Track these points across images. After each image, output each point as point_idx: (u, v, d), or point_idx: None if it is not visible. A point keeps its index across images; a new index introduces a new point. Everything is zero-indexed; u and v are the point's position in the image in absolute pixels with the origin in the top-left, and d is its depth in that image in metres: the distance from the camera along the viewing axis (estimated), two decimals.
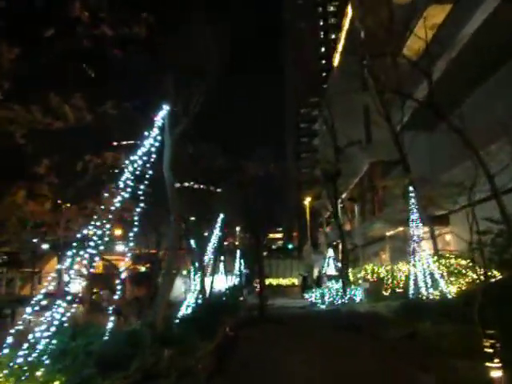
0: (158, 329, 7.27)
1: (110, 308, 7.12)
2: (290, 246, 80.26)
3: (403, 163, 17.83)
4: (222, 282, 31.89)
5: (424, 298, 16.41)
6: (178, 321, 9.91)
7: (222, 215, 16.57)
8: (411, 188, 17.56)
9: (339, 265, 35.13)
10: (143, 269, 52.90)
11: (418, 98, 19.57)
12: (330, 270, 34.57)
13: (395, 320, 12.26)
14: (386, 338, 9.13)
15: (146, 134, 6.85)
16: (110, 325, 7.89)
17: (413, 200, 17.58)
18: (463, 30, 14.41)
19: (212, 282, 15.98)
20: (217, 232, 16.26)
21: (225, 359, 7.71)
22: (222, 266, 32.90)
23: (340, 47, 41.19)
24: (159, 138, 7.11)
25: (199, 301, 13.89)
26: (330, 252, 35.74)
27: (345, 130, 24.22)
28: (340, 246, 45.84)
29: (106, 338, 7.11)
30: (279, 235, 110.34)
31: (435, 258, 16.84)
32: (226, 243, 49.62)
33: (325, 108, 24.13)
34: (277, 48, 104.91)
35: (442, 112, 11.37)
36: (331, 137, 21.60)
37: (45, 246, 41.34)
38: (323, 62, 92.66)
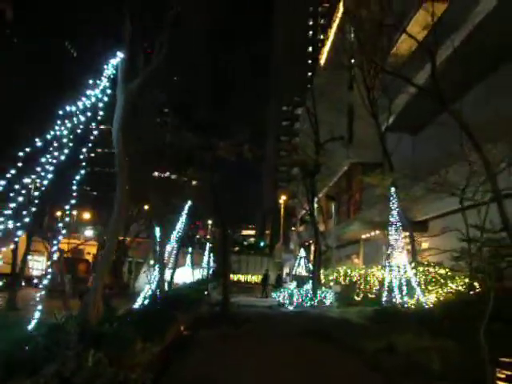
0: (91, 324, 5.93)
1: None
2: (262, 244, 79.29)
3: (388, 162, 16.86)
4: (188, 275, 30.62)
5: (399, 305, 15.55)
6: (124, 315, 8.57)
7: (189, 202, 15.22)
8: (393, 189, 16.65)
9: (310, 266, 34.36)
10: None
11: (411, 92, 18.71)
12: (301, 270, 33.66)
13: (369, 329, 11.20)
14: (360, 349, 7.99)
15: (91, 82, 5.46)
16: (36, 316, 6.55)
17: (394, 202, 16.69)
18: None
19: (173, 274, 14.62)
20: (182, 220, 14.91)
21: (167, 371, 6.39)
22: (188, 258, 31.66)
23: (328, 44, 40.30)
24: (109, 91, 5.76)
25: (157, 294, 12.56)
26: (302, 252, 34.79)
27: (327, 127, 23.21)
28: (312, 247, 45.36)
29: (28, 332, 5.79)
30: (252, 232, 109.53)
31: (413, 264, 15.94)
32: (197, 236, 48.41)
33: (309, 98, 23.04)
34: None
35: (445, 99, 10.33)
36: (313, 130, 20.51)
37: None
38: (309, 61, 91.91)
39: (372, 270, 19.63)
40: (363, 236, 25.23)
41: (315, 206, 20.22)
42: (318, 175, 21.27)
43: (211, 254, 36.15)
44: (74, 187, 5.79)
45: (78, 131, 5.37)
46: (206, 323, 11.72)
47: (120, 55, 6.14)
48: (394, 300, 15.64)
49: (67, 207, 5.88)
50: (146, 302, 12.38)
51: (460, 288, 13.48)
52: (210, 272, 34.61)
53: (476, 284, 12.05)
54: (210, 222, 47.21)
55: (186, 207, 15.02)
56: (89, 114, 5.44)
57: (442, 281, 14.87)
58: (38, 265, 51.97)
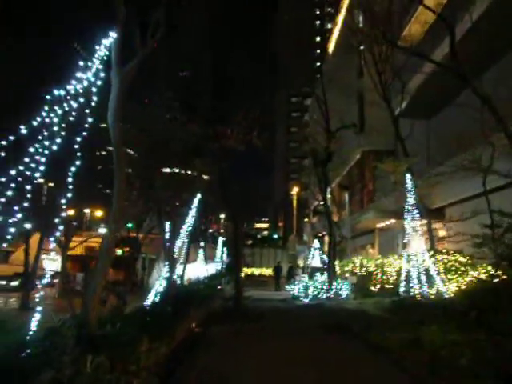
0: (91, 325, 5.53)
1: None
2: (276, 236, 78.91)
3: (402, 147, 16.23)
4: (201, 270, 30.30)
5: (418, 296, 15.02)
6: (133, 313, 8.20)
7: (199, 196, 14.78)
8: (409, 176, 16.05)
9: (324, 257, 33.79)
10: (119, 252, 51.08)
11: (426, 72, 18.01)
12: (315, 261, 33.12)
13: (390, 321, 10.68)
14: (384, 345, 7.48)
15: (82, 64, 4.97)
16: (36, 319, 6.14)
17: (409, 189, 16.08)
18: None
19: (184, 269, 14.23)
20: (192, 214, 14.48)
21: (176, 373, 5.95)
22: (201, 253, 31.32)
23: (337, 30, 39.42)
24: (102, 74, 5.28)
25: (168, 290, 12.19)
26: (316, 243, 34.22)
27: (338, 115, 22.59)
28: (326, 238, 44.83)
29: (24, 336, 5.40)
30: (265, 225, 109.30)
31: (431, 253, 15.36)
32: (210, 230, 48.13)
33: (319, 85, 22.41)
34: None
35: (465, 74, 9.72)
36: (323, 118, 19.90)
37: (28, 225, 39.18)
38: (318, 51, 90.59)
39: (389, 260, 19.06)
40: (378, 225, 24.63)
41: (328, 196, 19.65)
42: (330, 164, 20.68)
43: (224, 248, 35.86)
44: (70, 179, 5.35)
45: (71, 118, 4.92)
46: (219, 319, 11.31)
47: (113, 35, 5.67)
48: (412, 290, 15.12)
49: (63, 202, 5.44)
50: (157, 298, 12.04)
51: (482, 276, 12.91)
52: (224, 266, 34.30)
53: (500, 272, 11.51)
54: (222, 216, 46.94)
55: (196, 201, 14.59)
56: (81, 99, 4.99)
57: (463, 269, 14.30)
58: (54, 264, 52.30)
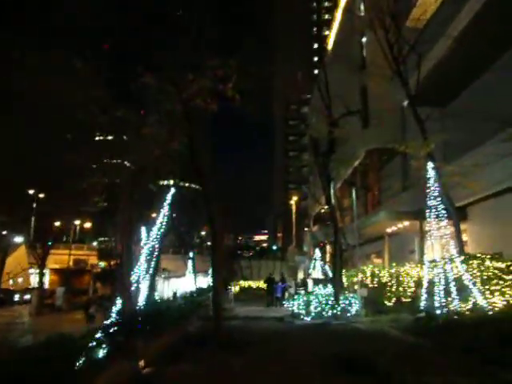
0: None
1: None
2: (274, 248, 75.94)
3: (421, 131, 13.33)
4: (190, 284, 27.23)
5: (445, 311, 12.05)
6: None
7: (172, 189, 11.86)
8: (430, 164, 13.16)
9: (326, 267, 30.65)
10: (102, 264, 47.87)
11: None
12: (317, 273, 30.10)
13: (424, 349, 7.67)
14: None
15: None
16: None
17: (433, 181, 13.18)
18: None
19: (152, 284, 11.15)
20: (164, 213, 11.53)
21: None
22: (190, 264, 28.31)
23: (336, 25, 36.93)
24: None
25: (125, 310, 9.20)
26: (317, 253, 31.21)
27: (341, 106, 19.74)
28: (328, 248, 41.77)
29: None
30: (264, 237, 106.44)
31: (463, 258, 12.38)
32: (197, 240, 45.15)
33: (320, 71, 19.64)
34: None
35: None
36: (325, 105, 17.04)
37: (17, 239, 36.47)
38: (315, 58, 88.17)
39: (405, 269, 16.09)
40: (388, 230, 21.61)
41: (332, 191, 16.66)
42: (332, 163, 17.75)
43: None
44: None
45: None
46: (190, 349, 8.25)
47: None
48: (437, 305, 12.16)
49: None
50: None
51: None
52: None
53: None
54: None
55: (168, 195, 11.67)
56: None
57: (506, 277, 11.33)
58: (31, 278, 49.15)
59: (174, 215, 14.51)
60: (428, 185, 13.23)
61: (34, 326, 23.63)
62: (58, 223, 42.24)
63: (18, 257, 43.25)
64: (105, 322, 8.64)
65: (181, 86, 8.41)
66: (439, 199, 12.97)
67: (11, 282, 44.89)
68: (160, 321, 9.02)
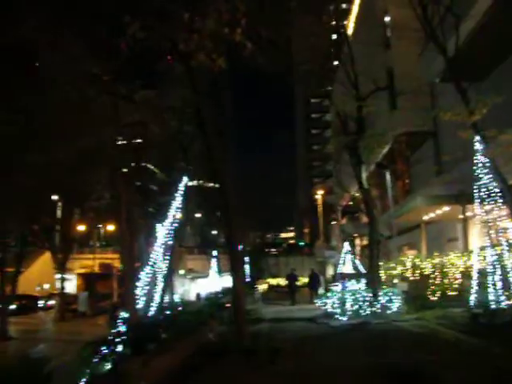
0: None
1: None
2: (302, 243, 74.43)
3: (464, 101, 11.57)
4: (215, 284, 26.02)
5: (505, 306, 10.40)
6: None
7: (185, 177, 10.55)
8: (478, 138, 11.44)
9: (357, 261, 28.91)
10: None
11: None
12: (347, 267, 28.38)
13: (501, 358, 6.11)
14: None
15: None
16: None
17: (481, 158, 11.47)
18: None
19: (165, 286, 9.83)
20: (177, 204, 10.23)
21: None
22: (214, 263, 27.10)
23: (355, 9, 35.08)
24: None
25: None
26: (346, 246, 29.47)
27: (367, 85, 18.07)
28: (358, 241, 39.99)
29: None
30: (291, 234, 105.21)
31: None
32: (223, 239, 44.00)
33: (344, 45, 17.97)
34: None
35: None
36: (351, 83, 15.41)
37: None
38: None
39: (450, 258, 14.41)
40: (425, 217, 19.83)
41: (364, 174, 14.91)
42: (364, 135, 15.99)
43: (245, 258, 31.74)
44: None
45: None
46: (206, 363, 6.89)
47: None
48: (492, 298, 10.53)
49: None
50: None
51: None
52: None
53: None
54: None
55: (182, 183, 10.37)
56: None
57: None
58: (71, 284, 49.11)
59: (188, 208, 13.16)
60: (475, 161, 11.56)
61: (50, 334, 23.12)
62: (82, 227, 41.88)
63: (45, 263, 43.06)
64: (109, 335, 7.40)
65: (176, 25, 6.88)
66: (489, 177, 11.29)
67: (38, 288, 44.81)
68: (172, 329, 7.69)
